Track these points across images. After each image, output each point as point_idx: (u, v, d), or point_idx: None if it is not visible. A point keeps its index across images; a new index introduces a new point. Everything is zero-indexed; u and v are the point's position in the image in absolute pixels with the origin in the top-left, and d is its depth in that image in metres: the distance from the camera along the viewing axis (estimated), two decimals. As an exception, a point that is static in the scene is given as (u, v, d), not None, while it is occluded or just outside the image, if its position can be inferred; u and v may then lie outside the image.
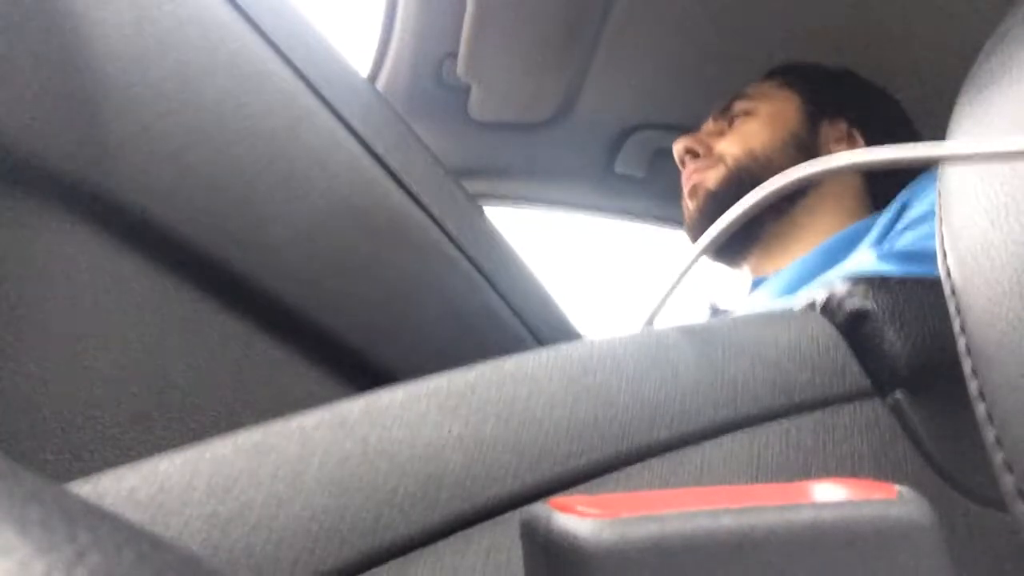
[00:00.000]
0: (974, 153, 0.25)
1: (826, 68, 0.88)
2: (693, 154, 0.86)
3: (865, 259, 0.54)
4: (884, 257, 0.53)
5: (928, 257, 0.53)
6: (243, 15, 0.34)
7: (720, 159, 0.83)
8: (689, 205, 0.85)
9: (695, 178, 0.83)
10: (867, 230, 0.69)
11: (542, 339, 0.40)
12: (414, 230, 0.37)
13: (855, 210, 0.79)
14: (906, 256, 0.53)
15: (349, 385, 0.37)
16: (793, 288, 0.68)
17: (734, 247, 0.83)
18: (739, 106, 0.86)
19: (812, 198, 0.79)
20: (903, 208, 0.65)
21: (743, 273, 0.86)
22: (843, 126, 0.83)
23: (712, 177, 0.82)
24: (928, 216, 0.60)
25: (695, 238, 0.86)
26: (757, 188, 0.30)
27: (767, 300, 0.69)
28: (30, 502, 0.11)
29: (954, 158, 0.26)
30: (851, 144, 0.82)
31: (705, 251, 0.32)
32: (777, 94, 0.85)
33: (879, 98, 0.87)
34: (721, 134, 0.86)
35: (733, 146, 0.82)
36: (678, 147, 0.87)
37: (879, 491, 0.19)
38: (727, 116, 0.87)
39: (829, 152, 0.81)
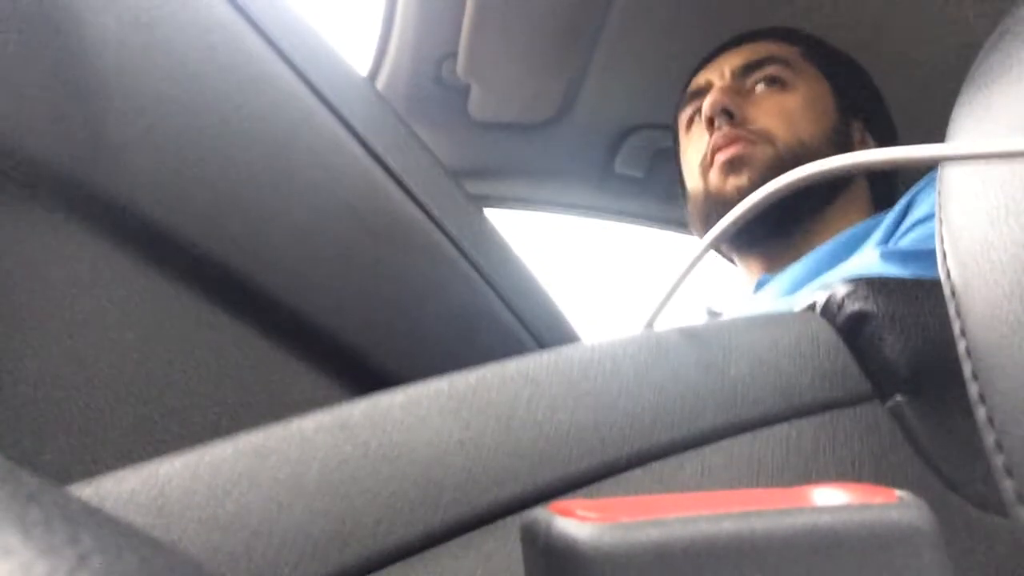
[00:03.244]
0: (974, 154, 0.25)
1: (847, 58, 0.82)
2: (729, 115, 0.72)
3: (868, 259, 0.54)
4: (887, 257, 0.52)
5: (932, 258, 0.53)
6: (243, 15, 0.34)
7: (768, 138, 0.71)
8: (722, 181, 0.71)
9: (738, 149, 0.70)
10: (871, 230, 0.68)
11: (542, 341, 0.40)
12: (414, 231, 0.37)
13: (862, 211, 0.78)
14: (909, 256, 0.52)
15: (349, 387, 0.37)
16: (797, 288, 0.67)
17: (763, 236, 0.74)
18: (772, 70, 0.75)
19: (843, 198, 0.75)
20: (908, 208, 0.64)
21: (749, 273, 0.85)
22: (860, 127, 0.79)
23: (761, 155, 0.70)
24: (932, 216, 0.60)
25: (709, 222, 0.75)
26: (762, 188, 0.30)
27: (771, 300, 0.68)
28: (31, 504, 0.11)
29: (954, 158, 0.26)
30: (864, 147, 0.79)
31: (708, 249, 0.32)
32: (811, 73, 0.77)
33: (882, 101, 0.85)
34: (749, 97, 0.75)
35: (781, 126, 0.72)
36: (713, 101, 0.72)
37: (879, 495, 0.19)
38: (753, 76, 0.75)
39: None
